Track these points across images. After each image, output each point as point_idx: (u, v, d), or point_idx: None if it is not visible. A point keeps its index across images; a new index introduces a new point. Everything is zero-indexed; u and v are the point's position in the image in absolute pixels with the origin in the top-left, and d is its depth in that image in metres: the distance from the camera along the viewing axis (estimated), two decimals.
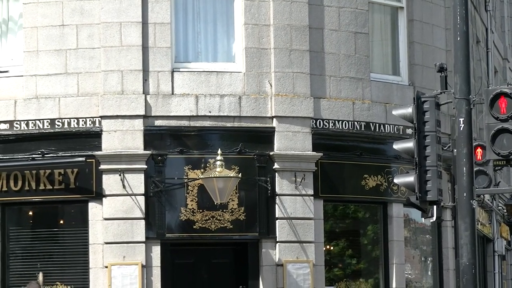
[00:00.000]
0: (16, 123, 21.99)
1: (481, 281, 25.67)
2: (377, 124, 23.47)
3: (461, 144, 17.59)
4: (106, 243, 21.32)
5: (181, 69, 22.16)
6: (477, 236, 20.62)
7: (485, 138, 18.73)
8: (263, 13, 22.67)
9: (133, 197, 21.41)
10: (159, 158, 21.61)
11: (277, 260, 22.25)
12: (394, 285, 23.82)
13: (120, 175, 21.34)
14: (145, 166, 21.51)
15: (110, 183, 21.48)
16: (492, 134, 17.78)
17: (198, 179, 21.40)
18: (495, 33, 36.07)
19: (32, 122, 21.96)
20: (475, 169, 18.28)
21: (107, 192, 21.39)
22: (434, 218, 22.51)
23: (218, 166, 21.06)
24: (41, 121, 21.94)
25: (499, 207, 34.65)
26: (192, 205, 21.63)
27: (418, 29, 24.84)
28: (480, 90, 22.25)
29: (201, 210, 21.65)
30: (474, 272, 17.75)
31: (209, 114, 22.14)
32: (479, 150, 19.93)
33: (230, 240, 22.80)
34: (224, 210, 21.88)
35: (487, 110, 18.06)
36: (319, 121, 22.81)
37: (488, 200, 31.17)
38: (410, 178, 17.81)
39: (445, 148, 19.97)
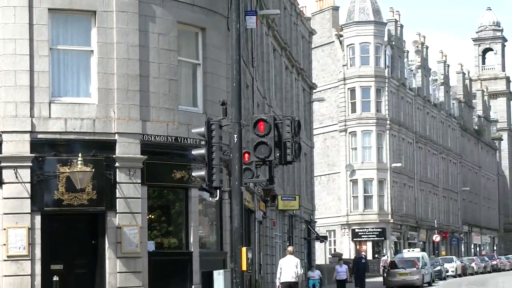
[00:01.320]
0: None
1: (246, 237, 26.39)
2: (182, 138, 25.59)
3: (235, 151, 20.01)
4: (5, 213, 23.52)
5: (55, 101, 24.28)
6: (244, 209, 23.70)
7: (250, 147, 20.26)
8: (110, 66, 24.74)
9: (23, 184, 23.65)
10: (40, 159, 23.80)
11: (117, 224, 24.46)
12: (191, 239, 25.93)
13: (14, 170, 23.59)
14: (31, 164, 23.68)
15: (8, 175, 23.67)
16: (254, 145, 19.95)
17: (66, 172, 23.74)
18: (258, 81, 37.71)
19: None
20: (243, 167, 20.22)
21: (6, 181, 23.66)
22: (217, 197, 23.27)
23: (79, 164, 23.32)
24: None
25: (259, 191, 36.67)
26: (61, 189, 23.95)
27: (209, 78, 26.70)
28: (248, 117, 23.59)
29: (68, 192, 23.93)
30: (241, 232, 20.27)
31: (74, 130, 24.26)
32: (246, 155, 20.29)
33: (86, 212, 24.70)
34: (83, 192, 24.10)
35: (251, 130, 20.13)
36: (145, 136, 25.03)
37: (252, 186, 33.08)
38: (202, 172, 20.30)
39: (225, 153, 20.80)
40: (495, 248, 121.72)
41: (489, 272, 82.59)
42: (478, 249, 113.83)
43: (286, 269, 24.71)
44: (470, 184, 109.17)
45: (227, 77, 26.20)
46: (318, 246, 67.91)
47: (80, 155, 23.71)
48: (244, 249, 19.71)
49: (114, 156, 24.81)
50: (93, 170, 23.98)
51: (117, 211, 24.75)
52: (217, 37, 27.25)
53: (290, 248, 26.37)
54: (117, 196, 24.78)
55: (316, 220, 62.97)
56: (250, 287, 32.93)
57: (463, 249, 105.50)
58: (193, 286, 26.16)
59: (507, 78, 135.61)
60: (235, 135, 20.05)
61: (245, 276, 20.39)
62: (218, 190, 21.28)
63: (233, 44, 20.59)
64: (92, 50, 25.02)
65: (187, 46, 27.13)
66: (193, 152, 21.10)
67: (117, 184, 24.78)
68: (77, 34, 25.22)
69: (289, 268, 24.75)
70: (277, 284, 25.04)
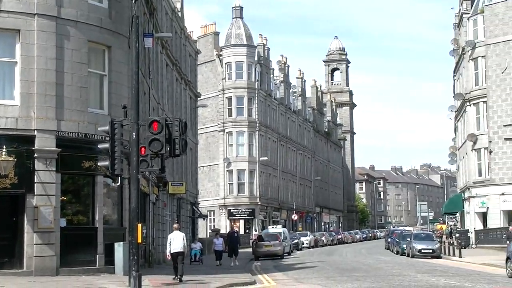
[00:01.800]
0: None
1: (141, 216, 25.83)
2: (91, 135, 25.50)
3: (133, 145, 19.72)
4: None
5: None
6: (140, 193, 24.07)
7: (146, 143, 19.74)
8: (31, 74, 24.69)
9: None
10: None
11: (34, 204, 24.36)
12: (97, 217, 25.81)
13: None
14: None
15: None
16: (149, 141, 19.70)
17: None
18: (153, 89, 37.64)
19: None
20: (140, 158, 19.74)
21: None
22: (119, 183, 24.86)
23: (3, 154, 23.37)
24: None
25: (153, 178, 36.07)
26: None
27: (113, 86, 26.68)
28: (145, 118, 21.98)
29: None
30: (138, 211, 19.98)
31: (1, 127, 24.16)
32: (143, 149, 19.74)
33: (9, 194, 24.42)
34: (6, 178, 24.02)
35: (147, 129, 19.82)
36: (60, 132, 25.01)
37: (147, 174, 32.73)
38: (107, 162, 20.02)
39: (125, 148, 20.04)
40: (340, 225, 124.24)
41: (336, 244, 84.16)
42: (327, 226, 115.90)
43: (175, 241, 24.76)
44: (321, 175, 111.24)
45: (128, 86, 26.17)
46: (201, 223, 68.19)
47: (4, 147, 23.66)
48: (139, 225, 19.59)
49: (33, 148, 24.70)
50: (15, 159, 23.89)
51: (35, 194, 24.67)
52: (121, 54, 27.23)
53: (175, 225, 26.41)
54: (35, 181, 24.67)
55: (199, 202, 63.07)
56: (145, 256, 33.02)
57: (315, 226, 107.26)
58: (97, 255, 26.11)
59: (350, 92, 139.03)
60: (134, 133, 19.86)
61: (140, 247, 20.24)
62: (119, 177, 21.43)
63: (133, 59, 20.56)
64: (16, 62, 24.91)
65: (96, 60, 26.97)
66: (99, 146, 20.87)
67: (36, 171, 24.67)
68: (4, 48, 24.98)
69: (177, 241, 24.78)
70: (167, 254, 24.98)
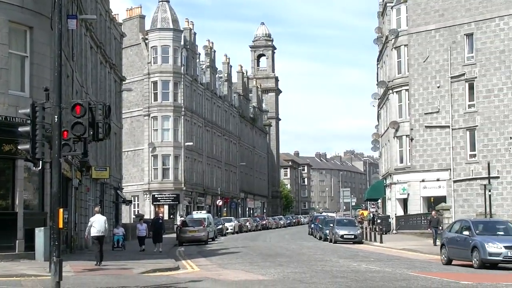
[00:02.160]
0: None
1: (63, 201, 25.72)
2: (11, 117, 25.18)
3: (55, 129, 19.19)
4: None
5: None
6: (62, 177, 23.73)
7: (68, 127, 19.15)
8: None
9: None
10: None
11: None
12: (17, 202, 25.63)
13: None
14: None
15: None
16: (72, 124, 19.15)
17: None
18: (77, 72, 36.95)
19: None
20: (62, 142, 19.13)
21: None
22: (40, 167, 24.30)
23: None
24: None
25: (76, 162, 35.23)
26: None
27: (35, 68, 26.35)
28: (67, 101, 22.31)
29: None
30: (59, 196, 19.34)
31: None
32: (65, 132, 19.23)
33: None
34: None
35: (70, 112, 19.16)
36: None
37: (70, 158, 31.66)
38: (27, 146, 19.53)
39: (47, 131, 19.36)
40: (264, 211, 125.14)
41: (260, 230, 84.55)
42: (251, 211, 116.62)
43: (96, 225, 24.58)
44: (246, 160, 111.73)
45: (50, 68, 25.58)
46: (124, 208, 67.42)
47: None
48: (61, 210, 19.16)
49: None
50: None
51: None
52: (43, 35, 26.71)
53: (96, 208, 26.24)
54: None
55: (123, 187, 62.51)
56: (67, 242, 32.70)
57: (240, 211, 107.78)
58: (17, 241, 25.70)
59: (276, 78, 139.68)
60: (56, 116, 19.33)
61: (61, 233, 19.84)
62: (40, 161, 20.78)
63: (55, 41, 19.97)
64: None
65: (17, 41, 26.41)
66: (19, 129, 20.34)
67: None
68: None
69: (99, 224, 24.61)
70: (88, 237, 24.82)
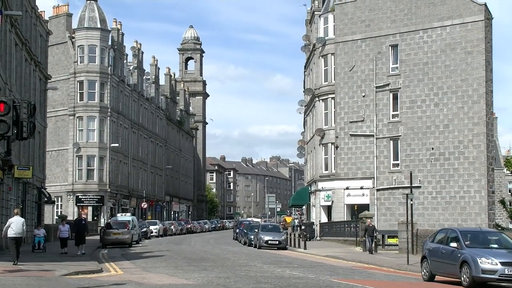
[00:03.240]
0: None
1: None
2: None
3: None
4: None
5: None
6: None
7: None
8: None
9: None
10: None
11: None
12: None
13: None
14: None
15: None
16: None
17: None
18: (1, 69, 36.15)
19: None
20: None
21: None
22: None
23: None
24: None
25: None
26: None
27: None
28: None
29: None
30: None
31: None
32: None
33: None
34: None
35: None
36: None
37: None
38: None
39: None
40: (189, 214, 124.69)
41: (185, 233, 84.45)
42: (176, 215, 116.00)
43: (14, 226, 24.31)
44: (172, 163, 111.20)
45: None
46: (47, 209, 66.33)
47: None
48: None
49: None
50: None
51: None
52: None
53: (16, 210, 25.87)
54: None
55: (46, 187, 61.21)
56: None
57: (165, 214, 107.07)
58: None
59: (204, 82, 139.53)
60: None
61: None
62: None
63: None
64: None
65: None
66: None
67: None
68: None
69: (16, 226, 24.33)
70: (2, 235, 24.68)
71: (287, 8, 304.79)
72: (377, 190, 54.17)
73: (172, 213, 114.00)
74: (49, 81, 60.83)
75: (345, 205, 56.37)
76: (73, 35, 79.69)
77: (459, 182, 51.22)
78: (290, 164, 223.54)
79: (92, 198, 77.86)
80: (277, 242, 47.28)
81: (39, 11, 56.58)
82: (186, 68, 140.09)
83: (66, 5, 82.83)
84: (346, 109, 56.52)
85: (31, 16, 51.52)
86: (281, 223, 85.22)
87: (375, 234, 42.05)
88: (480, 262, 20.69)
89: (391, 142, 54.14)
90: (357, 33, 56.35)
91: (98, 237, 51.92)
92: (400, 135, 53.59)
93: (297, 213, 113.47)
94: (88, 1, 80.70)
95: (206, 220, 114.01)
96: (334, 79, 57.68)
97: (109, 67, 79.86)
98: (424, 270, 24.08)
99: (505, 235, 23.44)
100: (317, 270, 27.16)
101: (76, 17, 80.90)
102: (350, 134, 55.98)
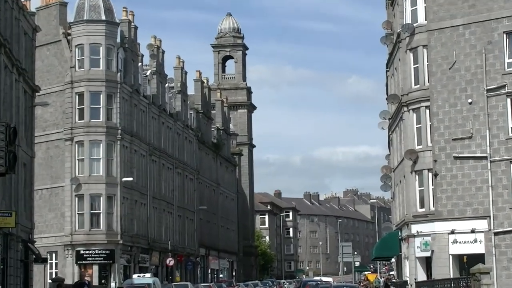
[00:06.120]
0: None
1: None
2: None
3: None
4: None
5: None
6: None
7: None
8: None
9: None
10: None
11: None
12: None
13: None
14: None
15: None
16: None
17: None
18: None
19: None
20: None
21: None
22: None
23: None
24: None
25: None
26: None
27: None
28: None
29: None
30: None
31: None
32: None
33: None
34: None
35: None
36: None
37: None
38: None
39: None
40: (234, 273, 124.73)
41: None
42: (215, 274, 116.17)
43: None
44: (207, 203, 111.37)
45: None
46: (37, 269, 66.95)
47: None
48: None
49: None
50: None
51: None
52: None
53: None
54: None
55: (35, 239, 62.02)
56: None
57: (199, 274, 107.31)
58: None
59: (248, 89, 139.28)
60: None
61: None
62: None
63: None
64: None
65: None
66: None
67: None
68: None
69: None
70: None
71: None
72: (495, 233, 53.40)
73: (210, 271, 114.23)
74: (37, 94, 61.66)
75: (450, 256, 55.55)
76: (69, 31, 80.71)
77: None
78: (372, 200, 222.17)
79: (98, 254, 78.39)
80: None
81: (22, 0, 57.46)
82: (223, 71, 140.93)
83: None
84: (446, 122, 55.88)
85: (11, 7, 52.44)
86: (362, 283, 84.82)
87: None
88: None
89: None
90: (457, 17, 55.82)
91: None
92: None
93: (384, 268, 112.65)
94: None
95: (257, 281, 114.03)
96: (428, 81, 57.15)
97: (118, 73, 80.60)
98: None
99: None
100: None
101: (72, 6, 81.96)
102: (454, 157, 55.35)
